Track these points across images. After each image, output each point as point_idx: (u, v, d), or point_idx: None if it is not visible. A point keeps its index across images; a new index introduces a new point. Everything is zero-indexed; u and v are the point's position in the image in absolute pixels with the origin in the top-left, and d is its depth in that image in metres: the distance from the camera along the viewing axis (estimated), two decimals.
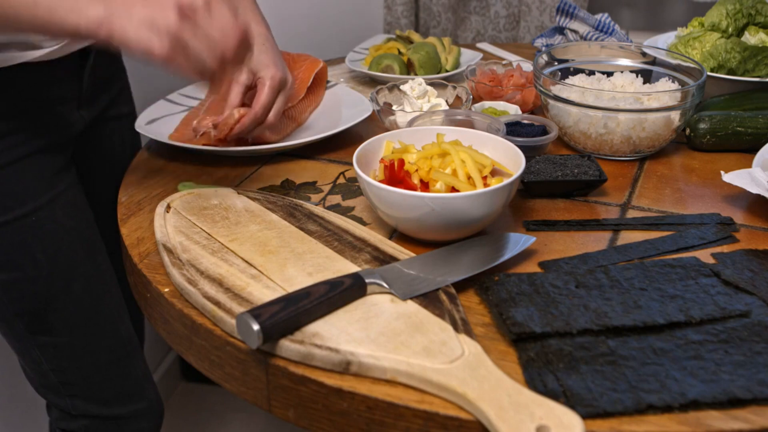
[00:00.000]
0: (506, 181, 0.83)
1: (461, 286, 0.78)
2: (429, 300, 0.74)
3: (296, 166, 1.09)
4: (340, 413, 0.67)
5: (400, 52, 1.45)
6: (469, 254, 0.81)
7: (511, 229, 0.91)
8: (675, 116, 1.05)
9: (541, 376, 0.65)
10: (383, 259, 0.81)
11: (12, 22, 0.80)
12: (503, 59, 1.47)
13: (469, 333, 0.69)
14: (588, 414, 0.61)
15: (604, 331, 0.70)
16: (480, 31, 1.90)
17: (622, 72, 1.16)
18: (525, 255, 0.84)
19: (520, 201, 0.97)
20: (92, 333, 1.08)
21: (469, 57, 1.48)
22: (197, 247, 0.83)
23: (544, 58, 1.19)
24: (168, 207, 0.91)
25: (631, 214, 0.95)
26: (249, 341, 0.67)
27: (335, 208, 0.96)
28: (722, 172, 0.94)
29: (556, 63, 1.20)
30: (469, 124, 1.07)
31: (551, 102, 1.10)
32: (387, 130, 1.10)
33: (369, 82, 1.43)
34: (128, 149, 1.20)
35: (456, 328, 0.69)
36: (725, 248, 0.86)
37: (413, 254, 0.82)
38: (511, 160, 0.90)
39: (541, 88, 1.11)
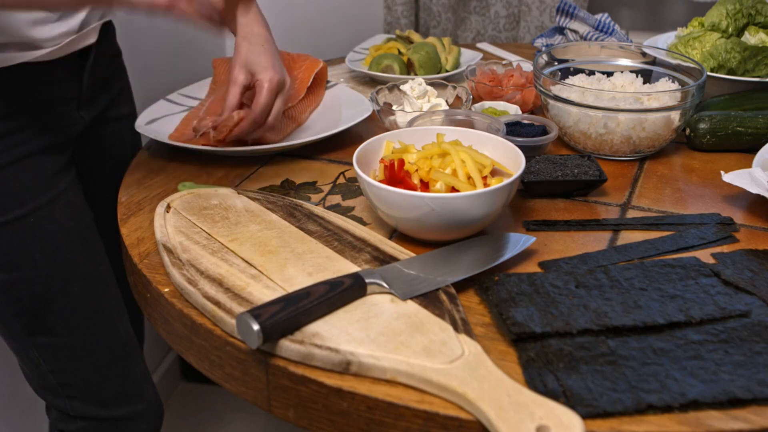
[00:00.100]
0: (506, 181, 0.83)
1: (461, 286, 0.78)
2: (429, 300, 0.73)
3: (296, 166, 1.09)
4: (340, 413, 0.67)
5: (400, 52, 1.45)
6: (469, 254, 0.81)
7: (511, 229, 0.91)
8: (675, 116, 1.05)
9: (541, 376, 0.65)
10: (383, 259, 0.81)
11: None
12: (503, 59, 1.47)
13: (469, 333, 0.69)
14: (588, 414, 0.61)
15: (604, 331, 0.70)
16: (480, 31, 1.90)
17: (622, 72, 1.16)
18: (525, 255, 0.84)
19: (520, 201, 0.97)
20: (91, 334, 1.08)
21: (469, 57, 1.48)
22: (197, 247, 0.83)
23: (544, 58, 1.19)
24: (168, 207, 0.91)
25: (631, 214, 0.95)
26: (249, 341, 0.67)
27: (335, 208, 0.96)
28: (722, 172, 0.94)
29: (556, 63, 1.20)
30: (469, 124, 1.07)
31: (551, 102, 1.10)
32: (387, 130, 1.10)
33: (369, 82, 1.43)
34: (128, 149, 1.20)
35: (456, 328, 0.69)
36: (725, 248, 0.86)
37: (413, 254, 0.82)
38: (511, 160, 0.90)
39: (541, 88, 1.11)
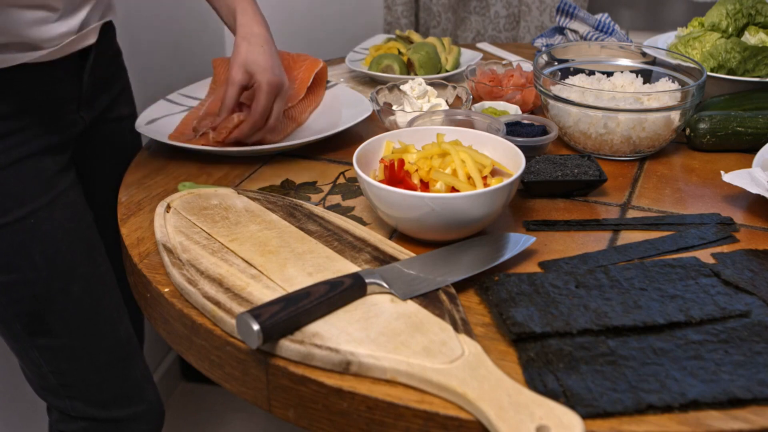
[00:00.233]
0: (506, 181, 0.83)
1: (461, 286, 0.78)
2: (429, 300, 0.73)
3: (296, 166, 1.09)
4: (340, 413, 0.67)
5: (400, 52, 1.45)
6: (469, 254, 0.81)
7: (511, 229, 0.91)
8: (675, 116, 1.05)
9: (541, 376, 0.65)
10: (383, 259, 0.81)
11: None
12: (503, 59, 1.47)
13: (469, 333, 0.69)
14: (588, 414, 0.61)
15: (604, 331, 0.70)
16: (480, 31, 1.90)
17: (622, 72, 1.16)
18: (525, 255, 0.84)
19: (520, 201, 0.97)
20: (91, 334, 1.08)
21: (469, 57, 1.48)
22: (197, 247, 0.83)
23: (544, 58, 1.19)
24: (168, 207, 0.91)
25: (631, 214, 0.95)
26: (249, 341, 0.67)
27: (335, 208, 0.96)
28: (722, 172, 0.94)
29: (556, 63, 1.20)
30: (469, 124, 1.07)
31: (551, 102, 1.10)
32: (387, 130, 1.10)
33: (369, 82, 1.43)
34: (128, 150, 1.20)
35: (456, 328, 0.69)
36: (725, 248, 0.86)
37: (413, 254, 0.82)
38: (511, 160, 0.90)
39: (541, 88, 1.11)
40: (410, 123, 1.06)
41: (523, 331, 0.69)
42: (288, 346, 0.68)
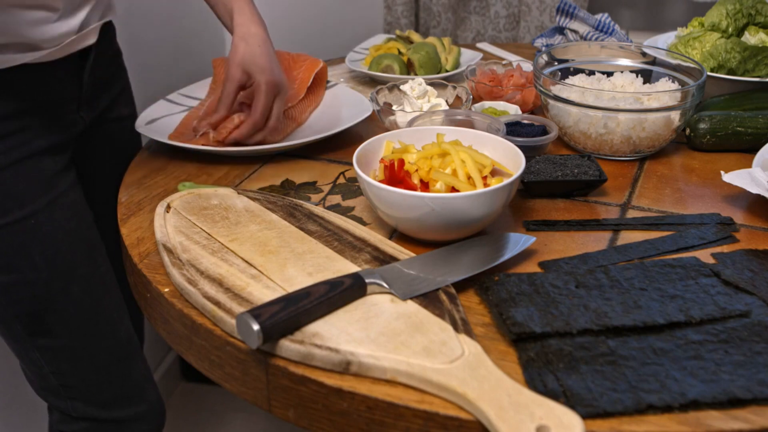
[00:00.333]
0: (506, 181, 0.83)
1: (461, 286, 0.78)
2: (429, 300, 0.73)
3: (296, 166, 1.09)
4: (340, 413, 0.67)
5: (400, 52, 1.45)
6: (469, 254, 0.81)
7: (511, 229, 0.91)
8: (675, 116, 1.05)
9: (541, 376, 0.65)
10: (383, 259, 0.81)
11: None
12: (503, 59, 1.47)
13: (469, 333, 0.69)
14: (588, 414, 0.61)
15: (604, 331, 0.70)
16: (480, 31, 1.90)
17: (622, 72, 1.16)
18: (525, 255, 0.84)
19: (520, 201, 0.97)
20: (91, 335, 1.08)
21: (469, 57, 1.48)
22: (197, 247, 0.83)
23: (544, 58, 1.19)
24: (168, 207, 0.91)
25: (631, 214, 0.95)
26: (249, 341, 0.67)
27: (335, 208, 0.96)
28: (722, 172, 0.94)
29: (556, 63, 1.20)
30: (469, 124, 1.07)
31: (551, 102, 1.10)
32: (387, 130, 1.10)
33: (369, 82, 1.43)
34: (128, 150, 1.20)
35: (456, 328, 0.69)
36: (725, 248, 0.86)
37: (413, 254, 0.82)
38: (511, 160, 0.90)
39: (541, 88, 1.11)
40: (410, 123, 1.06)
41: (523, 331, 0.69)
42: (288, 346, 0.68)
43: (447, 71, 1.40)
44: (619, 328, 0.70)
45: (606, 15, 1.45)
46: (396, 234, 0.90)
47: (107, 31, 1.13)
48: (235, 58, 1.08)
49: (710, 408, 0.62)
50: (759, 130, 1.09)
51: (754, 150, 1.04)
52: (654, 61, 1.20)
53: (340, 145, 1.14)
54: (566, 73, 1.20)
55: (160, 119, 1.19)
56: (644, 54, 1.21)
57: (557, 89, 1.09)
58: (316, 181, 1.04)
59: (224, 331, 0.73)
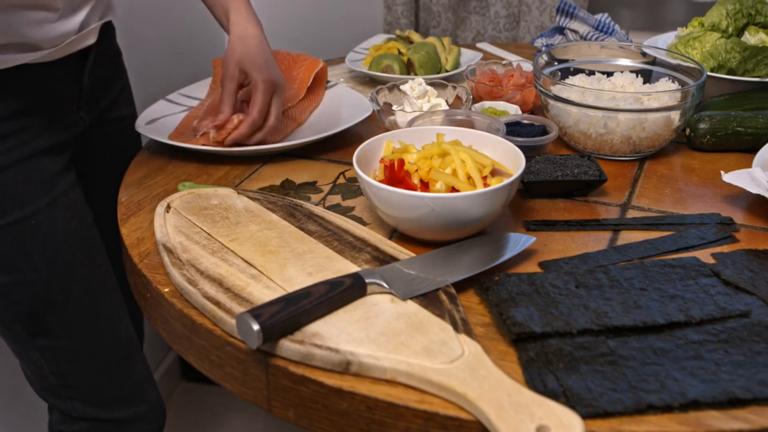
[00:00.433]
0: (506, 181, 0.83)
1: (461, 286, 0.78)
2: (429, 300, 0.73)
3: (296, 166, 1.09)
4: (340, 413, 0.67)
5: (400, 52, 1.45)
6: (469, 254, 0.81)
7: (511, 229, 0.91)
8: (675, 116, 1.05)
9: (541, 376, 0.65)
10: (383, 259, 0.81)
11: None
12: (503, 59, 1.47)
13: (469, 333, 0.69)
14: (588, 414, 0.61)
15: (604, 331, 0.70)
16: (480, 31, 1.90)
17: (622, 72, 1.16)
18: (525, 255, 0.84)
19: (520, 201, 0.97)
20: (91, 335, 1.08)
21: (469, 57, 1.48)
22: (197, 247, 0.83)
23: (544, 58, 1.19)
24: (168, 207, 0.91)
25: (631, 214, 0.95)
26: (249, 341, 0.67)
27: (335, 208, 0.96)
28: (722, 172, 0.94)
29: (556, 63, 1.20)
30: (469, 124, 1.07)
31: (551, 102, 1.10)
32: (387, 130, 1.10)
33: (369, 82, 1.43)
34: (128, 150, 1.20)
35: (456, 328, 0.69)
36: (725, 248, 0.86)
37: (413, 254, 0.82)
38: (511, 160, 0.90)
39: (541, 88, 1.11)
40: (410, 123, 1.06)
41: (523, 331, 0.69)
42: (288, 346, 0.68)
43: (447, 71, 1.40)
44: (619, 328, 0.70)
45: (606, 15, 1.45)
46: (396, 234, 0.90)
47: (107, 31, 1.13)
48: (232, 56, 1.09)
49: (710, 408, 0.62)
50: (759, 130, 1.09)
51: (754, 150, 1.04)
52: (654, 61, 1.20)
53: (340, 145, 1.14)
54: (566, 73, 1.20)
55: (160, 119, 1.19)
56: (644, 54, 1.21)
57: (557, 89, 1.09)
58: (316, 181, 1.04)
59: (224, 331, 0.73)
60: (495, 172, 0.90)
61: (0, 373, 1.37)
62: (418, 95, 1.18)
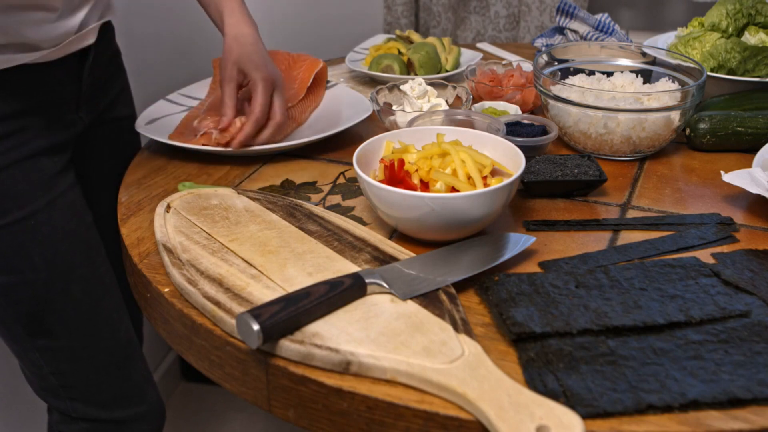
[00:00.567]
0: (506, 181, 0.83)
1: (461, 286, 0.78)
2: (429, 300, 0.73)
3: (296, 166, 1.09)
4: (340, 413, 0.67)
5: (400, 52, 1.45)
6: (469, 254, 0.81)
7: (511, 229, 0.91)
8: (675, 116, 1.05)
9: (541, 376, 0.65)
10: (383, 259, 0.81)
11: None
12: (503, 59, 1.47)
13: (469, 333, 0.69)
14: (588, 414, 0.61)
15: (604, 331, 0.70)
16: (480, 31, 1.90)
17: (622, 72, 1.16)
18: (525, 255, 0.84)
19: (520, 201, 0.97)
20: (91, 335, 1.08)
21: (469, 57, 1.48)
22: (197, 247, 0.83)
23: (544, 58, 1.19)
24: (168, 207, 0.91)
25: (631, 214, 0.94)
26: (249, 341, 0.67)
27: (335, 208, 0.96)
28: (722, 172, 0.94)
29: (556, 63, 1.20)
30: (469, 124, 1.07)
31: (551, 102, 1.10)
32: (387, 130, 1.10)
33: (369, 82, 1.43)
34: (128, 150, 1.20)
35: (456, 328, 0.69)
36: (725, 248, 0.86)
37: (413, 254, 0.82)
38: (511, 160, 0.90)
39: (541, 88, 1.11)
40: (410, 123, 1.06)
41: (523, 331, 0.69)
42: (288, 346, 0.68)
43: (447, 71, 1.40)
44: (619, 328, 0.70)
45: (606, 15, 1.45)
46: (396, 234, 0.90)
47: (106, 31, 1.13)
48: (229, 58, 1.09)
49: (710, 408, 0.62)
50: (759, 130, 1.09)
51: (754, 150, 1.04)
52: (654, 61, 1.20)
53: (340, 145, 1.14)
54: (566, 73, 1.20)
55: (160, 119, 1.19)
56: (644, 54, 1.21)
57: (557, 89, 1.09)
58: (316, 181, 1.04)
59: (224, 331, 0.73)
60: (495, 172, 0.90)
61: (0, 373, 1.37)
62: (418, 95, 1.18)
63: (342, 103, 1.25)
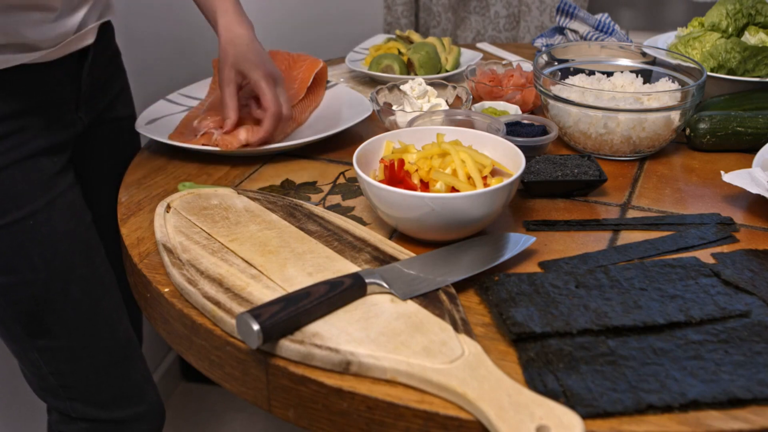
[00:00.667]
0: (506, 181, 0.83)
1: (461, 286, 0.78)
2: (429, 300, 0.73)
3: (296, 166, 1.09)
4: (340, 413, 0.67)
5: (400, 52, 1.45)
6: (469, 254, 0.81)
7: (511, 229, 0.91)
8: (675, 116, 1.05)
9: (541, 376, 0.65)
10: (383, 259, 0.81)
11: None
12: (503, 59, 1.47)
13: (469, 333, 0.69)
14: (588, 414, 0.61)
15: (604, 331, 0.70)
16: (480, 31, 1.90)
17: (622, 72, 1.16)
18: (525, 255, 0.84)
19: (520, 201, 0.97)
20: (90, 335, 1.07)
21: (469, 57, 1.48)
22: (197, 247, 0.83)
23: (544, 58, 1.19)
24: (168, 207, 0.91)
25: (631, 214, 0.94)
26: (249, 341, 0.67)
27: (335, 208, 0.96)
28: (722, 172, 0.94)
29: (556, 63, 1.20)
30: (469, 124, 1.07)
31: (551, 102, 1.10)
32: (387, 130, 1.10)
33: (369, 82, 1.43)
34: (127, 151, 1.20)
35: (456, 328, 0.69)
36: (725, 248, 0.86)
37: (413, 254, 0.82)
38: (511, 160, 0.90)
39: (541, 88, 1.11)
40: (410, 123, 1.06)
41: (523, 331, 0.69)
42: (288, 346, 0.68)
43: (447, 71, 1.40)
44: (619, 328, 0.70)
45: (606, 15, 1.45)
46: (396, 234, 0.90)
47: (106, 31, 1.13)
48: (226, 61, 1.09)
49: (710, 408, 0.62)
50: (759, 130, 1.09)
51: (754, 150, 1.04)
52: (654, 61, 1.20)
53: (340, 145, 1.14)
54: (566, 73, 1.20)
55: (160, 119, 1.19)
56: (644, 54, 1.21)
57: (557, 89, 1.09)
58: (316, 181, 1.04)
59: (224, 331, 0.73)
60: (495, 172, 0.90)
61: (0, 373, 1.37)
62: (418, 95, 1.18)
63: (342, 103, 1.25)
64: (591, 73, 1.19)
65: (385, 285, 0.74)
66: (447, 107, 1.17)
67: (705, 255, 0.84)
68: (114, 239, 0.99)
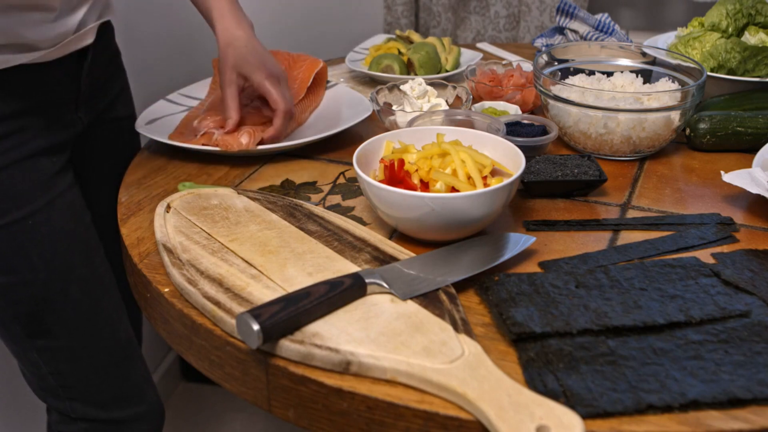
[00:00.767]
0: (506, 181, 0.83)
1: (461, 286, 0.78)
2: (429, 300, 0.73)
3: (296, 166, 1.09)
4: (340, 413, 0.67)
5: (400, 52, 1.45)
6: (469, 254, 0.81)
7: (511, 229, 0.91)
8: (675, 116, 1.05)
9: (541, 376, 0.65)
10: (383, 259, 0.81)
11: None
12: (503, 59, 1.47)
13: (469, 333, 0.69)
14: (588, 414, 0.61)
15: (604, 331, 0.70)
16: (480, 31, 1.91)
17: (622, 72, 1.16)
18: (525, 255, 0.84)
19: (520, 201, 0.97)
20: (90, 336, 1.07)
21: (469, 57, 1.48)
22: (197, 247, 0.83)
23: (544, 58, 1.19)
24: (168, 207, 0.91)
25: (631, 214, 0.94)
26: (249, 341, 0.67)
27: (335, 208, 0.96)
28: (722, 172, 0.94)
29: (556, 63, 1.20)
30: (469, 124, 1.07)
31: (551, 102, 1.10)
32: (387, 130, 1.10)
33: (369, 82, 1.43)
34: (127, 151, 1.20)
35: (456, 328, 0.69)
36: (725, 248, 0.86)
37: (413, 254, 0.82)
38: (511, 160, 0.90)
39: (541, 88, 1.11)
40: (410, 123, 1.06)
41: (523, 331, 0.69)
42: (288, 346, 0.68)
43: (447, 71, 1.40)
44: (619, 328, 0.70)
45: (606, 15, 1.45)
46: (396, 234, 0.90)
47: (105, 30, 1.13)
48: (226, 63, 1.09)
49: (710, 408, 0.62)
50: (759, 130, 1.09)
51: (754, 150, 1.04)
52: (654, 61, 1.20)
53: (340, 145, 1.14)
54: (566, 73, 1.20)
55: (160, 119, 1.19)
56: (644, 54, 1.21)
57: (557, 89, 1.09)
58: (316, 181, 1.04)
59: (224, 331, 0.73)
60: (495, 172, 0.90)
61: (0, 373, 1.37)
62: (418, 95, 1.18)
63: (342, 103, 1.25)
64: (591, 73, 1.19)
65: (385, 285, 0.74)
66: (447, 107, 1.17)
67: (705, 255, 0.84)
68: (114, 239, 0.99)
